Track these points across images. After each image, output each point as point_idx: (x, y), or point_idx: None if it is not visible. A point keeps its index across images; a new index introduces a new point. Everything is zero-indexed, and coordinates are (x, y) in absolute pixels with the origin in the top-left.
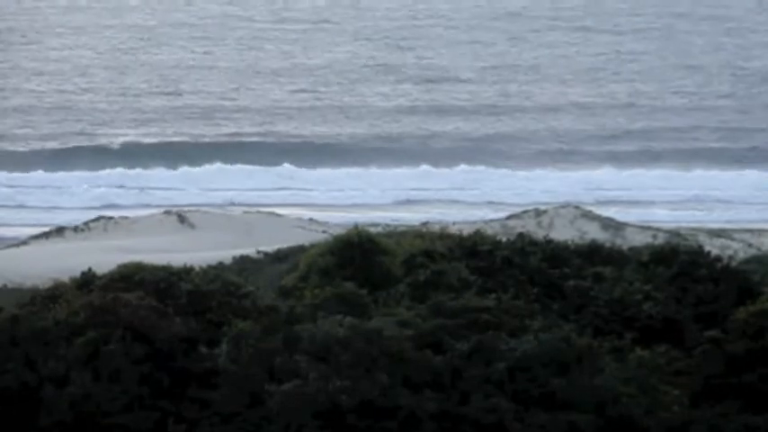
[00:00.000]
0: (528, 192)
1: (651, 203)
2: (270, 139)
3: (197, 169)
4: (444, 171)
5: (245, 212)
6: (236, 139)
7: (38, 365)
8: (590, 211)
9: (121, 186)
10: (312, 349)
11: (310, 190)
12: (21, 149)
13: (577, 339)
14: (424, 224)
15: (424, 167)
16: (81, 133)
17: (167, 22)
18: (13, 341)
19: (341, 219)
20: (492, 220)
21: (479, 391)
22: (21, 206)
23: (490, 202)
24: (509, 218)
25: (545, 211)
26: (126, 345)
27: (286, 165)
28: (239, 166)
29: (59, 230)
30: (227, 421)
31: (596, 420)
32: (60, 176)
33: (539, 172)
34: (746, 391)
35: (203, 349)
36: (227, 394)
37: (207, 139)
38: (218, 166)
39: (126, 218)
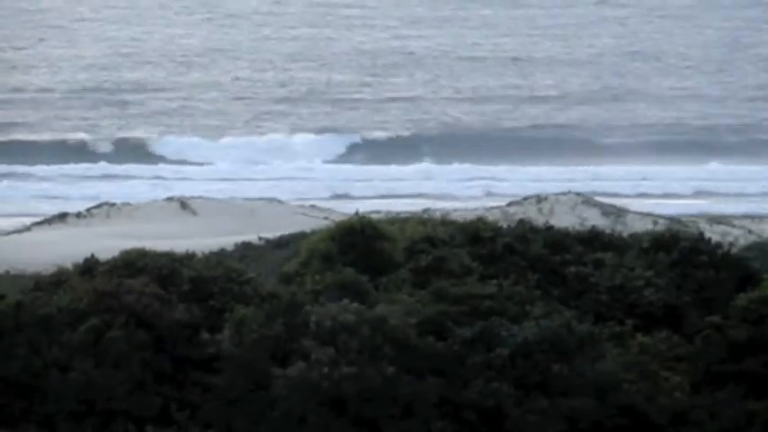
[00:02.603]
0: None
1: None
2: None
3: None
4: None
5: (247, 199)
6: None
7: (42, 352)
8: (590, 198)
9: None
10: (318, 334)
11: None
12: None
13: (578, 325)
14: (426, 211)
15: None
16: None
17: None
18: (17, 327)
19: None
20: (493, 207)
21: (481, 377)
22: None
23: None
24: (510, 204)
25: (545, 198)
26: (129, 331)
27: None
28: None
29: (62, 216)
30: (229, 406)
31: (597, 406)
32: None
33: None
34: (748, 378)
35: (205, 335)
36: (229, 379)
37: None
38: None
39: (128, 204)
